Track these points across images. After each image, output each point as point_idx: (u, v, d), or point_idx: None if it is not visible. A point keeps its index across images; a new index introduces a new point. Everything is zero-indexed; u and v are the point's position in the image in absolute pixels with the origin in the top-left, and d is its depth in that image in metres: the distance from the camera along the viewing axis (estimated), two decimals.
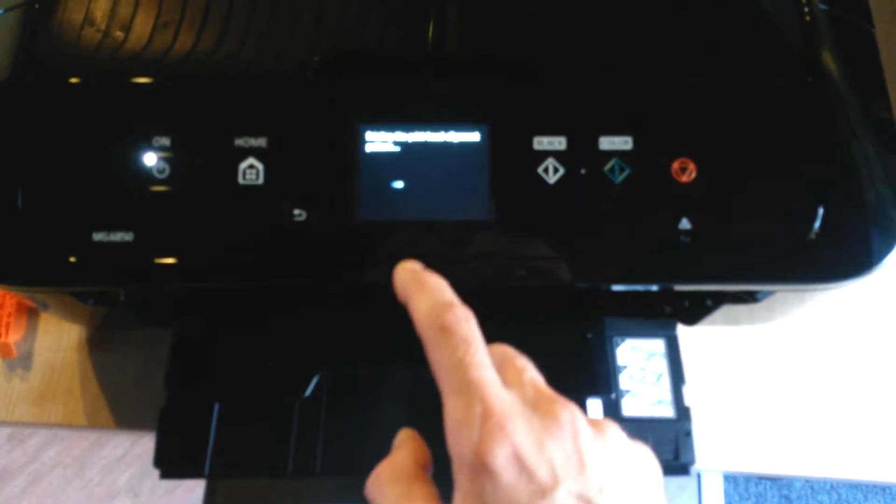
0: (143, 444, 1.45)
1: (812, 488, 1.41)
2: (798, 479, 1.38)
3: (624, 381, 0.52)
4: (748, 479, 1.39)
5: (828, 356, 0.59)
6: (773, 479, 1.39)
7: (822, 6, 0.47)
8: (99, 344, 0.57)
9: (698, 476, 1.34)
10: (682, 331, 0.55)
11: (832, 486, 1.41)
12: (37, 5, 0.46)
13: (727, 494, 1.40)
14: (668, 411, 0.52)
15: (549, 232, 0.43)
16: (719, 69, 0.45)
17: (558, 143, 0.43)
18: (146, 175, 0.42)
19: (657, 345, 0.54)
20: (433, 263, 0.42)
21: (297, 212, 0.42)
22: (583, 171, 0.43)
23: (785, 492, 1.41)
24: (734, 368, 0.58)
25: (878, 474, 0.56)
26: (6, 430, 1.44)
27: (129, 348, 0.57)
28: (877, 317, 0.60)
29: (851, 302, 0.60)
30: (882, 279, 0.60)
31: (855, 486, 1.41)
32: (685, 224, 0.42)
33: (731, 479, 1.38)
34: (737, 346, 0.59)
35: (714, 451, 0.56)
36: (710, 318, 0.53)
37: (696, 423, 0.51)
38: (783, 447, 0.56)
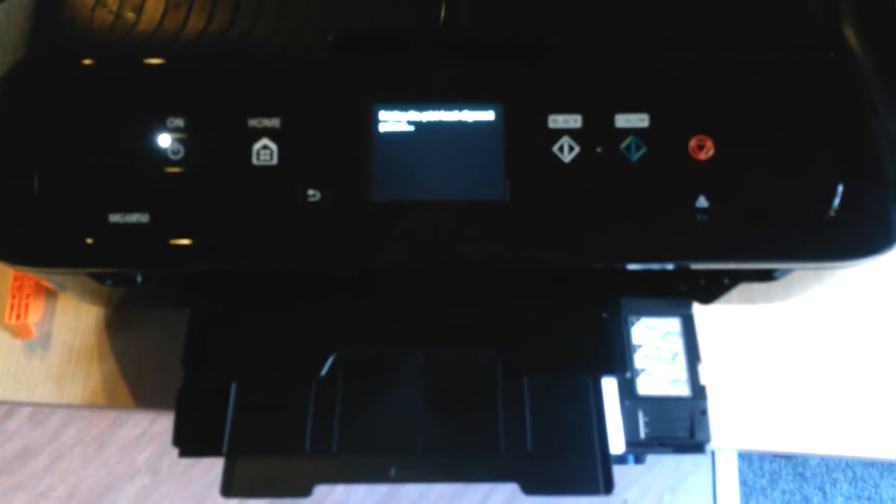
0: (162, 423, 1.46)
1: (827, 466, 1.41)
2: (813, 456, 1.38)
3: (639, 359, 0.52)
4: (762, 456, 1.39)
5: (843, 334, 0.58)
6: (788, 457, 1.39)
7: None
8: (117, 324, 0.58)
9: (712, 454, 1.34)
10: (698, 309, 0.55)
11: (847, 464, 1.41)
12: None
13: (741, 472, 1.40)
14: (683, 390, 0.52)
15: (565, 211, 0.42)
16: (737, 45, 0.44)
17: (574, 121, 0.42)
18: (161, 156, 0.42)
19: (673, 323, 0.54)
20: (448, 244, 0.42)
21: (311, 192, 0.42)
22: (599, 150, 0.42)
23: (800, 469, 1.41)
24: (749, 346, 0.58)
25: (890, 452, 0.56)
26: (27, 410, 1.47)
27: (146, 329, 0.57)
28: (890, 294, 0.59)
29: (868, 279, 0.59)
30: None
31: (870, 464, 1.40)
32: (702, 202, 0.42)
33: (745, 457, 1.38)
34: (752, 323, 0.58)
35: (729, 429, 0.56)
36: (726, 297, 0.52)
37: (713, 401, 0.51)
38: (798, 425, 0.56)
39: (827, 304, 0.59)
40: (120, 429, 1.47)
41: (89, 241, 0.41)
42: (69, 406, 0.56)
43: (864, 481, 1.40)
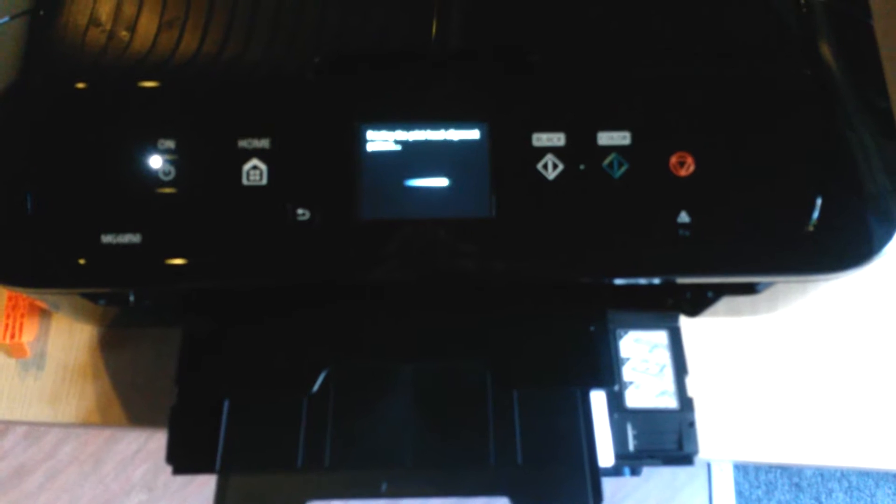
0: (157, 440, 1.46)
1: (822, 476, 1.41)
2: (808, 467, 1.38)
3: (627, 372, 0.53)
4: (758, 467, 1.40)
5: (834, 344, 0.59)
6: (784, 468, 1.39)
7: None
8: (110, 343, 0.58)
9: (708, 465, 1.35)
10: (688, 322, 0.55)
11: (842, 474, 1.41)
12: (41, 12, 0.46)
13: (737, 483, 1.40)
14: (671, 402, 0.52)
15: (550, 227, 0.43)
16: (716, 63, 0.45)
17: (557, 139, 0.43)
18: (152, 178, 0.43)
19: (660, 336, 0.54)
20: (435, 261, 0.43)
21: (300, 211, 0.43)
22: (582, 167, 0.43)
23: (795, 480, 1.41)
24: (741, 358, 0.58)
25: (886, 462, 0.56)
26: (22, 428, 1.46)
27: (139, 347, 0.58)
28: (883, 305, 0.60)
29: (857, 290, 0.60)
30: (889, 268, 0.60)
31: (865, 474, 1.41)
32: (684, 217, 0.43)
33: (741, 468, 1.39)
34: (744, 335, 0.59)
35: (723, 441, 0.57)
36: (713, 310, 0.53)
37: (706, 412, 0.52)
38: (791, 435, 0.57)
39: (818, 314, 0.59)
40: (115, 446, 1.47)
41: (82, 261, 0.42)
42: (63, 425, 0.57)
43: (860, 490, 1.40)
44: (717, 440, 0.56)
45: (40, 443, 1.47)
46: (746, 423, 0.57)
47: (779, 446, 0.57)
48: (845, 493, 1.40)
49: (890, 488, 1.40)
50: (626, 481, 1.26)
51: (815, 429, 0.57)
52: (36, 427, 1.46)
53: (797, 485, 1.41)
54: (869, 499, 1.39)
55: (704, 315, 0.54)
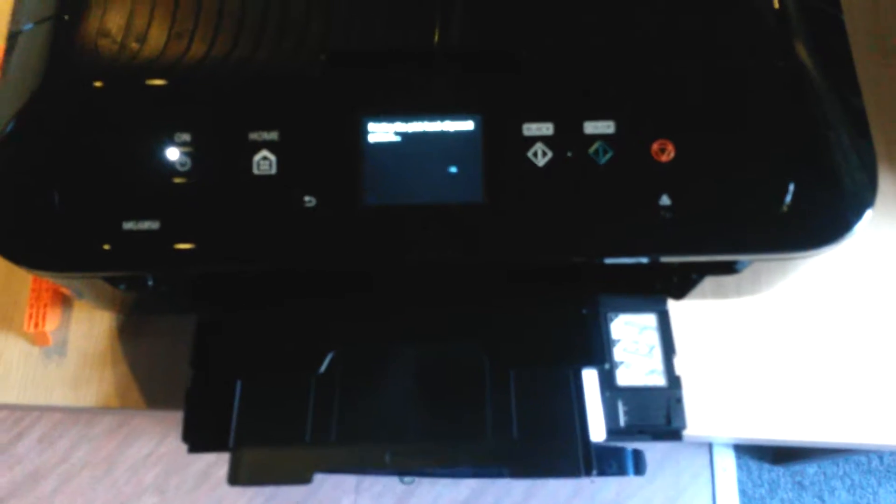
0: (168, 444, 1.49)
1: (825, 474, 1.42)
2: (811, 464, 1.39)
3: (619, 353, 0.56)
4: (761, 466, 1.41)
5: (823, 324, 0.61)
6: (786, 466, 1.40)
7: None
8: (128, 331, 0.61)
9: (711, 464, 1.36)
10: (689, 307, 0.58)
11: (845, 473, 1.42)
12: (66, 17, 0.50)
13: (740, 482, 1.41)
14: (660, 380, 0.55)
15: (540, 211, 0.46)
16: (695, 55, 0.48)
17: (546, 128, 0.46)
18: (170, 168, 0.46)
19: (649, 319, 0.57)
20: (432, 243, 0.46)
21: (307, 198, 0.46)
22: (569, 154, 0.46)
23: (798, 478, 1.42)
24: (735, 340, 0.61)
25: (877, 438, 0.58)
26: (36, 434, 1.49)
27: (155, 335, 0.61)
28: (867, 287, 0.62)
29: (850, 270, 0.62)
30: (880, 248, 0.63)
31: (868, 472, 1.42)
32: (665, 200, 0.45)
33: (744, 467, 1.40)
34: (740, 316, 0.61)
35: (719, 419, 0.59)
36: (700, 293, 0.56)
37: (703, 391, 0.54)
38: (787, 413, 0.59)
39: (807, 295, 0.62)
40: (127, 450, 1.49)
41: (106, 247, 0.45)
42: (83, 408, 0.60)
43: (863, 489, 1.41)
44: (714, 418, 0.58)
45: (54, 447, 1.49)
46: (743, 402, 0.59)
47: (774, 424, 0.59)
48: (848, 490, 1.41)
49: (892, 486, 1.41)
50: (631, 481, 1.28)
51: (808, 407, 0.59)
52: (50, 431, 1.49)
53: (800, 483, 1.42)
54: (871, 496, 1.40)
55: (692, 298, 0.57)
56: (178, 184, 0.46)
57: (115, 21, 0.49)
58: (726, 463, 1.40)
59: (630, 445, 0.51)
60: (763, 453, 1.39)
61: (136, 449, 1.49)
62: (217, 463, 1.35)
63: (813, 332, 0.61)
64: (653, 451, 1.29)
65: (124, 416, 1.47)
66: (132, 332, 0.61)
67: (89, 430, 1.49)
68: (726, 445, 1.38)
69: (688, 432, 0.54)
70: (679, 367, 0.55)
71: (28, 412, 1.53)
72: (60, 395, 0.60)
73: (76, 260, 0.46)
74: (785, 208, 0.45)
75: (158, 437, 1.46)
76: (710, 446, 1.38)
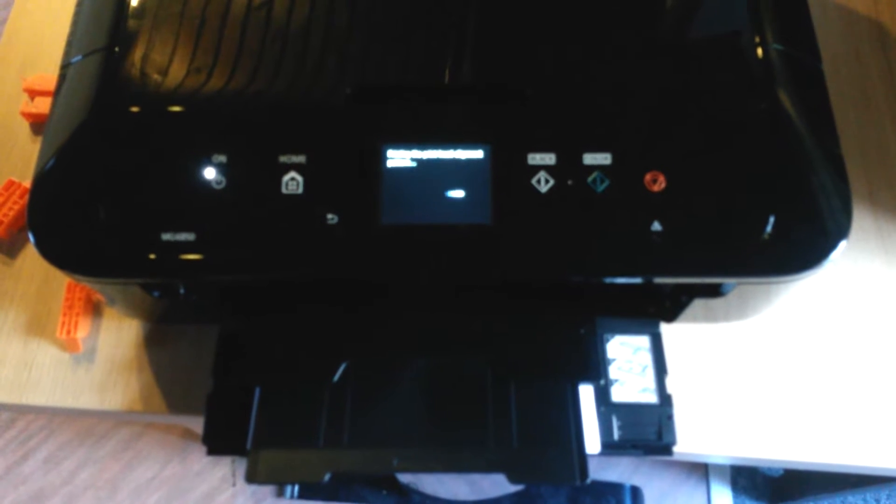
0: (172, 468, 1.50)
1: None
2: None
3: (613, 371, 0.59)
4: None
5: (820, 346, 0.64)
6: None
7: (777, 46, 0.55)
8: (153, 340, 0.65)
9: (708, 490, 1.37)
10: (681, 331, 0.61)
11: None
12: (116, 49, 0.55)
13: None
14: (652, 398, 0.58)
15: (542, 234, 0.50)
16: (687, 97, 0.53)
17: (549, 159, 0.51)
18: (206, 186, 0.50)
19: (643, 340, 0.60)
20: (443, 261, 0.50)
21: (330, 216, 0.50)
22: (570, 182, 0.50)
23: None
24: (727, 362, 0.64)
25: (873, 461, 0.60)
26: (42, 454, 1.51)
27: (179, 344, 0.64)
28: (858, 316, 0.65)
29: (844, 292, 0.66)
30: (871, 273, 0.66)
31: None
32: (657, 226, 0.50)
33: (738, 492, 1.41)
34: (737, 338, 0.64)
35: (714, 438, 0.61)
36: (691, 316, 0.60)
37: (698, 411, 0.56)
38: (782, 435, 0.61)
39: (806, 319, 0.65)
40: (131, 473, 1.51)
41: (146, 255, 0.49)
42: (109, 413, 0.63)
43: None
44: (706, 437, 0.61)
45: (59, 468, 1.51)
46: (735, 422, 0.62)
47: (765, 444, 0.61)
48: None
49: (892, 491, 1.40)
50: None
51: (805, 428, 0.61)
52: (55, 452, 1.51)
53: None
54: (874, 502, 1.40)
55: (684, 321, 0.61)
56: (213, 200, 0.50)
57: (160, 53, 0.54)
58: (723, 501, 1.41)
59: (623, 457, 0.54)
60: (760, 493, 1.40)
61: (139, 472, 1.50)
62: (219, 488, 1.36)
63: (801, 356, 0.64)
64: (650, 488, 1.31)
65: (130, 439, 1.49)
66: (157, 341, 0.65)
67: (95, 452, 1.51)
68: (723, 484, 1.39)
69: (678, 449, 0.57)
70: (671, 387, 0.58)
71: (36, 433, 1.55)
72: (87, 399, 0.63)
73: (120, 267, 0.50)
74: (766, 237, 0.49)
75: (162, 462, 1.48)
76: (707, 485, 1.40)
